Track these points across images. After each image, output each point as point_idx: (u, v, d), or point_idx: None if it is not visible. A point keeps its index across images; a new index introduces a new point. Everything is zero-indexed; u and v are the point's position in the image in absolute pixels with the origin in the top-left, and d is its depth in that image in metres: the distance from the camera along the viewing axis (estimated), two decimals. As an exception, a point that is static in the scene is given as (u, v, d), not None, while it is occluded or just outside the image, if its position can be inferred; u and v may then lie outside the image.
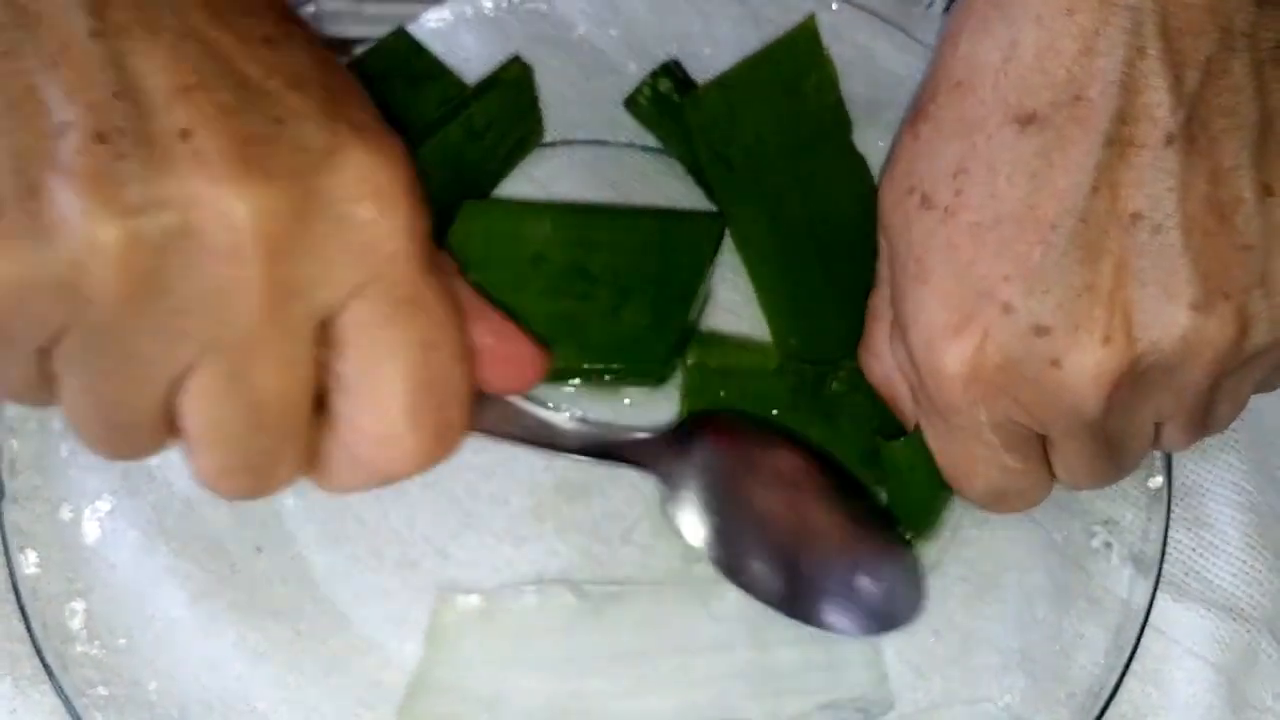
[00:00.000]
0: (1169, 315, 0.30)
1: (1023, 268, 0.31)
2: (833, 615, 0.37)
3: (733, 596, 0.38)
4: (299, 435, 0.29)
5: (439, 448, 0.30)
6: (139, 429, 0.28)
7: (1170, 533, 0.40)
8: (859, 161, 0.45)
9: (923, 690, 0.38)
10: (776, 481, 0.38)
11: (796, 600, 0.37)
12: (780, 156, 0.45)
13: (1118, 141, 0.31)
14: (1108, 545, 0.40)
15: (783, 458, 0.39)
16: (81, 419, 0.29)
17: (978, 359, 0.32)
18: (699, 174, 0.46)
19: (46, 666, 0.36)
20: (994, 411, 0.33)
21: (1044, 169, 0.31)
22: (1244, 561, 0.40)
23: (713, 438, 0.38)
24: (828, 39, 0.47)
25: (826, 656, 0.38)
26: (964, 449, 0.35)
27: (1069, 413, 0.32)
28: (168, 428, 0.29)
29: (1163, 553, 0.39)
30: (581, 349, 0.40)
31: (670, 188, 0.46)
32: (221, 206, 0.25)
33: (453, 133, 0.44)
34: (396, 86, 0.45)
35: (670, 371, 0.42)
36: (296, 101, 0.27)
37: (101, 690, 0.36)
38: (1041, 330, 0.31)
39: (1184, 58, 0.31)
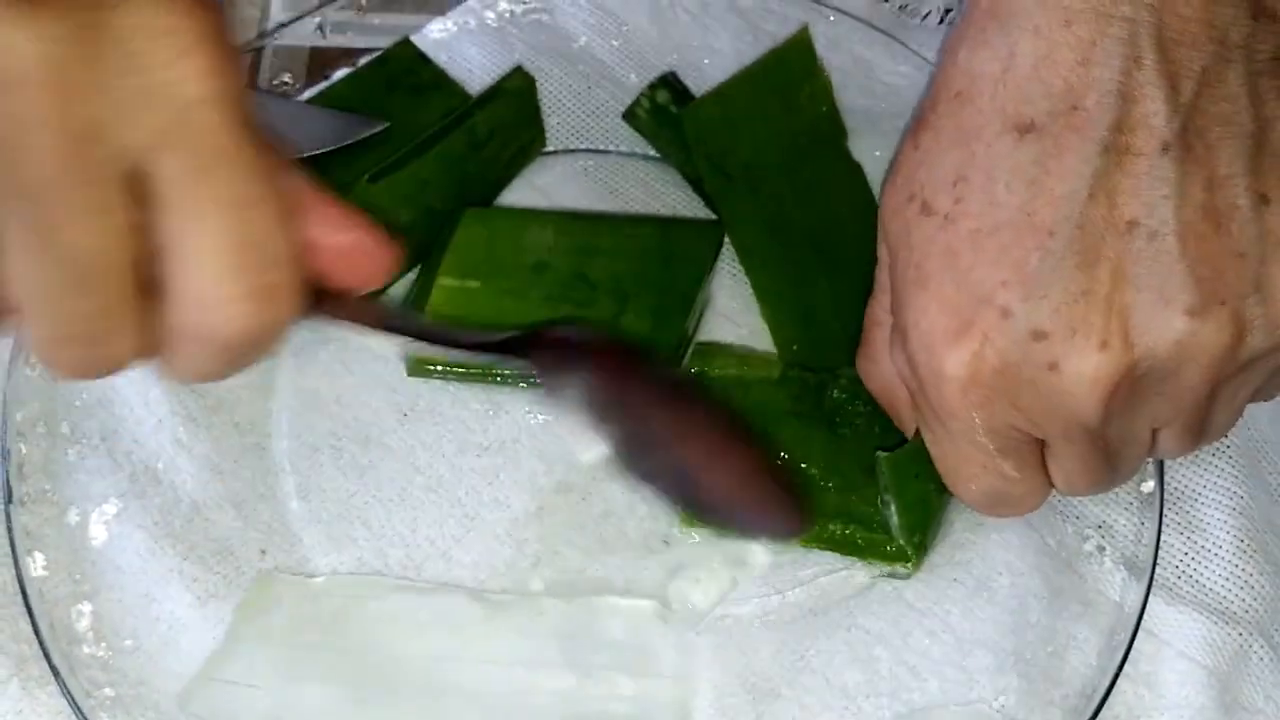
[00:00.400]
0: (1165, 320, 0.31)
1: (1021, 273, 0.32)
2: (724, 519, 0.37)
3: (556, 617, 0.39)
4: (125, 300, 0.27)
5: (267, 310, 0.27)
6: None
7: (1163, 537, 0.40)
8: (855, 169, 0.46)
9: (918, 691, 0.38)
10: (655, 394, 0.37)
11: (695, 503, 0.37)
12: (777, 166, 0.45)
13: (1114, 149, 0.31)
14: (1101, 549, 0.41)
15: (658, 375, 0.38)
16: None
17: (976, 363, 0.32)
18: (698, 183, 0.47)
19: (54, 668, 0.37)
20: (992, 416, 0.33)
21: (1041, 176, 0.32)
22: (1235, 565, 0.41)
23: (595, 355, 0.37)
24: (825, 50, 0.48)
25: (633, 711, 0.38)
26: (962, 454, 0.35)
27: (1067, 417, 0.32)
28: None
29: (1155, 556, 0.39)
30: None
31: (671, 196, 0.47)
32: (2, 36, 0.23)
33: (455, 142, 0.44)
34: (400, 96, 0.46)
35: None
36: None
37: (108, 691, 0.37)
38: (1039, 335, 0.32)
39: (1179, 68, 0.31)
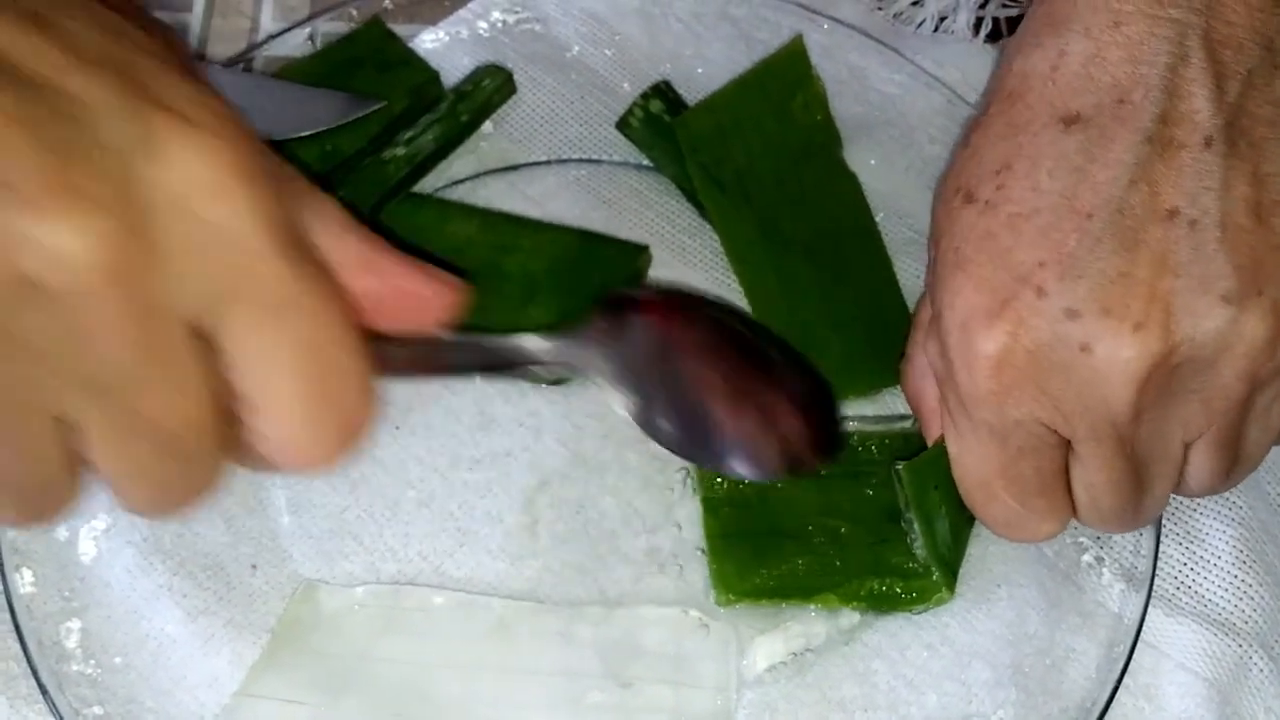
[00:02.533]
0: (1203, 306, 0.31)
1: (1057, 254, 0.31)
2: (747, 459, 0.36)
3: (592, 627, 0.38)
4: (212, 449, 0.26)
5: (346, 439, 0.27)
6: (49, 485, 0.26)
7: (1162, 548, 0.40)
8: (850, 178, 0.46)
9: (916, 705, 0.38)
10: (697, 348, 0.37)
11: (717, 452, 0.36)
12: (771, 176, 0.45)
13: (1158, 141, 0.31)
14: (1099, 560, 0.40)
15: (702, 326, 0.37)
16: None
17: (1010, 343, 0.32)
18: (692, 193, 0.46)
19: (42, 686, 0.36)
20: (1019, 405, 0.33)
21: (1085, 164, 0.32)
22: (1235, 576, 0.40)
23: (634, 317, 0.36)
24: (819, 59, 0.48)
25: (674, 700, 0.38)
26: (984, 453, 0.34)
27: (1096, 408, 0.32)
28: (75, 470, 0.26)
29: (1154, 567, 0.39)
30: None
31: (664, 205, 0.47)
32: (48, 246, 0.22)
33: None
34: (367, 73, 0.46)
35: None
36: (92, 91, 0.23)
37: (97, 709, 0.36)
38: (1072, 314, 0.31)
39: (1226, 69, 0.32)
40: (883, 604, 0.39)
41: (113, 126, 0.23)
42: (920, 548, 0.38)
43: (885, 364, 0.41)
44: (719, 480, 0.40)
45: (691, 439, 0.36)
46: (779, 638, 0.39)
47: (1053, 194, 0.32)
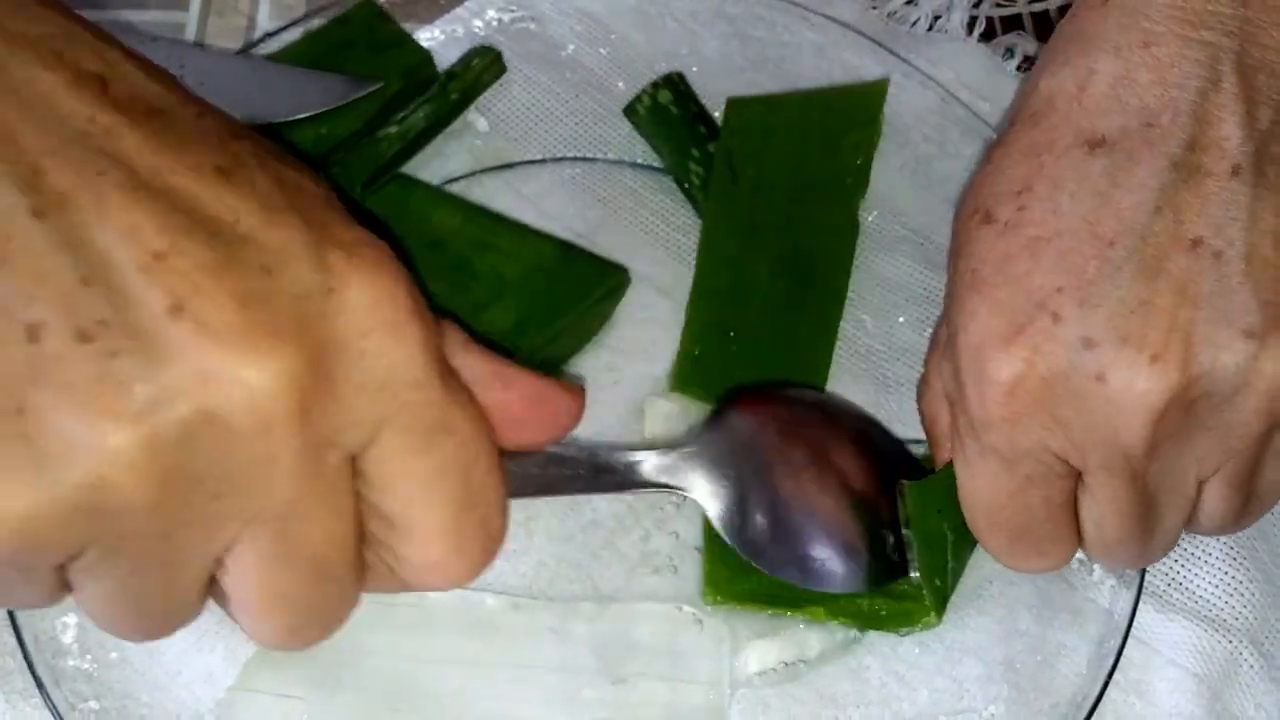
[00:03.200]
0: (1224, 339, 0.30)
1: (1076, 280, 0.31)
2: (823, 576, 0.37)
3: (587, 623, 0.39)
4: (354, 575, 0.27)
5: (485, 560, 0.28)
6: (175, 612, 0.26)
7: (1152, 544, 0.40)
8: (854, 230, 0.45)
9: (908, 701, 0.38)
10: (802, 455, 0.38)
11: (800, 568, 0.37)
12: (786, 191, 0.45)
13: (1184, 167, 0.31)
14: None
15: (809, 431, 0.39)
16: (108, 616, 0.26)
17: (1024, 370, 0.31)
18: (688, 189, 0.47)
19: (38, 681, 0.36)
20: (1030, 433, 0.32)
21: (1108, 189, 0.31)
22: (1226, 572, 0.40)
23: (739, 424, 0.38)
24: (813, 57, 0.48)
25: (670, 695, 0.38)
26: (991, 479, 0.34)
27: (1109, 438, 0.31)
28: (205, 596, 0.26)
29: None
30: None
31: (659, 203, 0.47)
32: (237, 383, 0.22)
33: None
34: (360, 54, 0.46)
35: None
36: (278, 239, 0.24)
37: (93, 704, 0.37)
38: (1089, 343, 0.30)
39: (1258, 95, 0.31)
40: (870, 622, 0.38)
41: (301, 274, 0.24)
42: (915, 569, 0.38)
43: None
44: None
45: (777, 553, 0.37)
46: (773, 645, 0.39)
47: (1074, 218, 0.31)
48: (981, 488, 0.34)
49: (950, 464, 0.36)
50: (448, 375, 0.27)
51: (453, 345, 0.28)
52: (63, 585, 0.24)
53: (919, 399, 0.39)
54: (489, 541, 0.28)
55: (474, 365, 0.28)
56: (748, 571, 0.38)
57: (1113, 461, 0.31)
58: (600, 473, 0.35)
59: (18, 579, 0.24)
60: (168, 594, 0.25)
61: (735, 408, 0.39)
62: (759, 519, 0.37)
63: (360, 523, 0.26)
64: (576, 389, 0.30)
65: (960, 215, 0.35)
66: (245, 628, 0.27)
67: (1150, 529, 0.33)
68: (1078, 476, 0.33)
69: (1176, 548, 0.41)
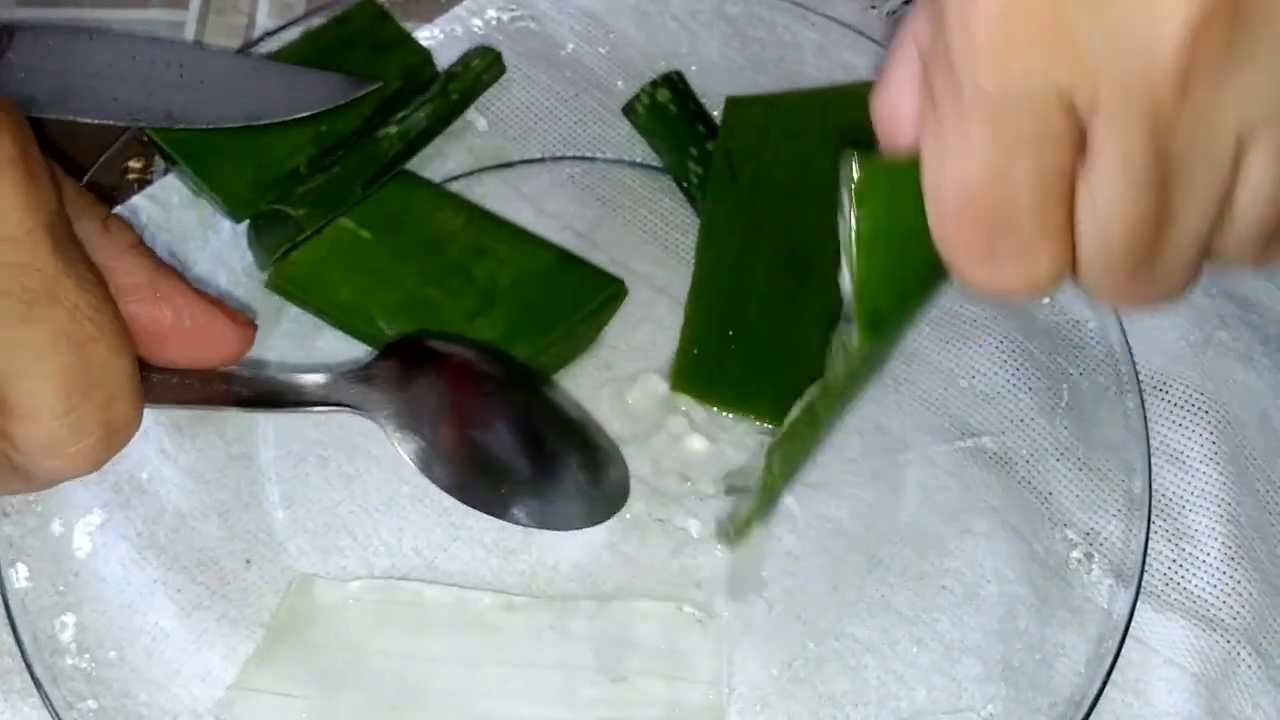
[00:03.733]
0: None
1: None
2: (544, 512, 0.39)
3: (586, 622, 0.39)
4: None
5: (108, 448, 0.27)
6: None
7: (1151, 544, 0.40)
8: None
9: (906, 700, 0.38)
10: (474, 393, 0.39)
11: (516, 506, 0.39)
12: (785, 191, 0.45)
13: None
14: (1089, 556, 0.40)
15: (469, 366, 0.39)
16: None
17: None
18: (686, 188, 0.47)
19: (36, 680, 0.36)
20: (1031, 60, 0.24)
21: None
22: (1224, 573, 0.40)
23: (408, 365, 0.38)
24: (813, 57, 0.48)
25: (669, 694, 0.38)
26: (970, 147, 0.25)
27: (1132, 61, 0.24)
28: None
29: (1143, 564, 0.39)
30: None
31: (657, 202, 0.47)
32: None
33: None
34: (360, 54, 0.46)
35: None
36: None
37: (91, 703, 0.37)
38: None
39: None
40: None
41: None
42: (851, 280, 0.29)
43: (771, 397, 0.41)
44: None
45: (468, 486, 0.38)
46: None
47: None
48: (956, 161, 0.26)
49: (913, 154, 0.28)
50: (63, 243, 0.26)
51: (118, 240, 0.28)
52: None
53: (873, 100, 0.30)
54: (111, 430, 0.27)
55: (139, 270, 0.28)
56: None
57: (1132, 96, 0.24)
58: (266, 391, 0.35)
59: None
60: None
61: (399, 350, 0.39)
62: (449, 452, 0.37)
63: None
64: (243, 320, 0.31)
65: None
66: None
67: (1166, 224, 0.26)
68: (1079, 149, 0.25)
69: (1174, 548, 0.41)
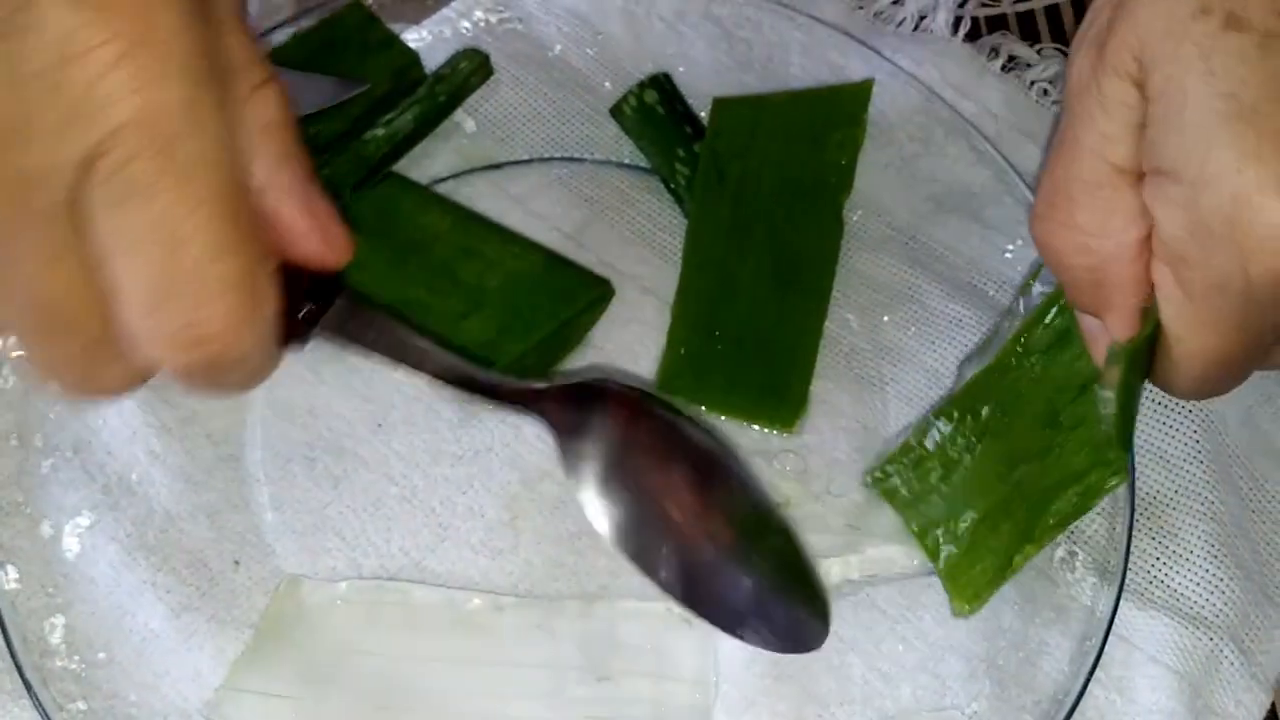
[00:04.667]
0: None
1: None
2: (735, 626, 0.35)
3: (573, 622, 0.39)
4: (105, 337, 0.25)
5: (205, 359, 0.26)
6: None
7: (1135, 542, 0.40)
8: (838, 228, 0.46)
9: (890, 698, 0.38)
10: (682, 467, 0.35)
11: (696, 599, 0.34)
12: (771, 190, 0.46)
13: None
14: (1073, 554, 0.41)
15: (690, 440, 0.35)
16: None
17: None
18: (674, 189, 0.47)
19: (26, 681, 0.36)
20: None
21: None
22: (1207, 571, 0.41)
23: (613, 406, 0.35)
24: (800, 57, 0.48)
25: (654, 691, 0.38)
26: (1229, 339, 0.29)
27: None
28: None
29: (1126, 562, 0.40)
30: None
31: (645, 203, 0.47)
32: None
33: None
34: (349, 56, 0.46)
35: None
36: None
37: (81, 705, 0.37)
38: None
39: None
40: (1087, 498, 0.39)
41: None
42: (1112, 427, 0.36)
43: (764, 399, 0.42)
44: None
45: (629, 534, 0.34)
46: (853, 560, 0.40)
47: None
48: (1215, 348, 0.30)
49: (1150, 320, 0.32)
50: (179, 140, 0.24)
51: (258, 110, 0.26)
52: None
53: (1054, 246, 0.33)
54: (201, 340, 0.25)
55: (288, 172, 0.27)
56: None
57: None
58: (459, 372, 0.32)
59: None
60: None
61: (606, 398, 0.35)
62: (641, 521, 0.34)
63: (89, 277, 0.25)
64: (341, 238, 0.29)
65: (1166, 14, 0.28)
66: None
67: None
68: None
69: (1158, 546, 0.41)
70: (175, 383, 0.27)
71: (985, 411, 0.39)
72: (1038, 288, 0.41)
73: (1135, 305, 0.32)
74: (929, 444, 0.40)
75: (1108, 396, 0.36)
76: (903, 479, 0.40)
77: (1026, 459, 0.39)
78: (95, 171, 0.24)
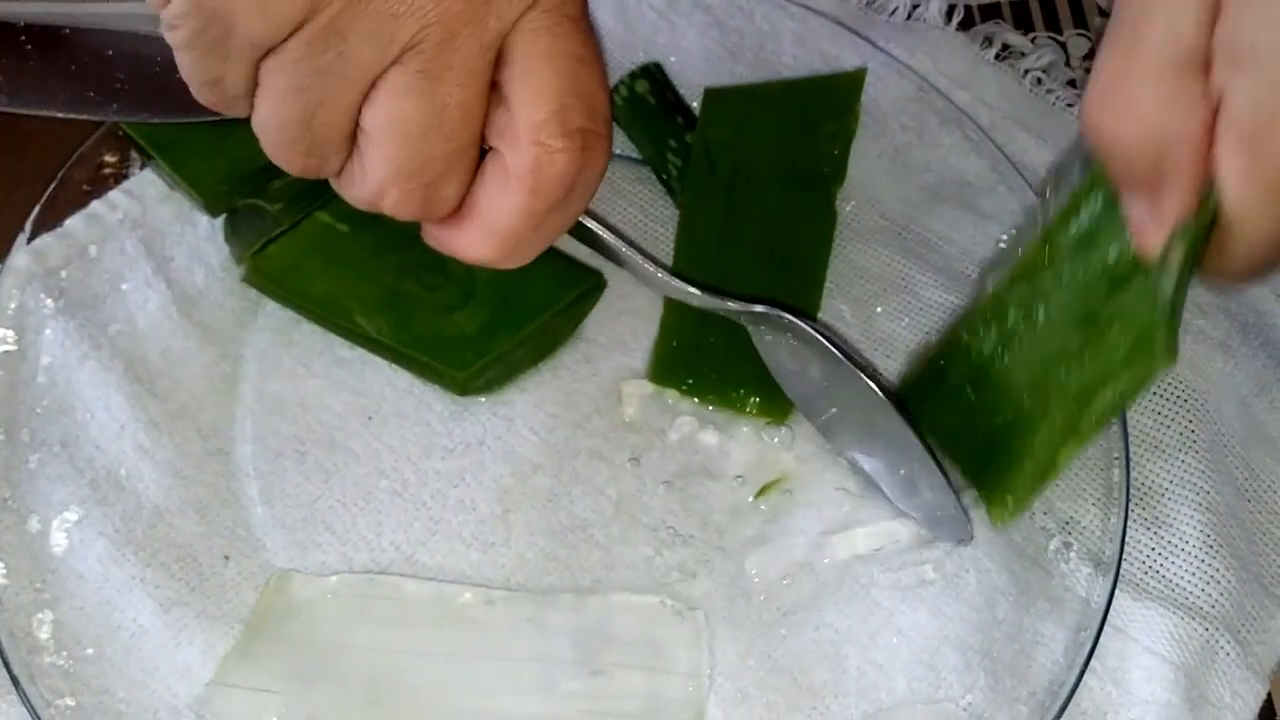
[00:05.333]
0: None
1: None
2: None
3: (566, 614, 0.39)
4: (469, 147, 0.31)
5: (581, 155, 0.32)
6: (330, 134, 0.31)
7: (1130, 533, 0.40)
8: (831, 218, 0.45)
9: (885, 690, 0.38)
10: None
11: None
12: (764, 180, 0.45)
13: None
14: (1067, 545, 0.41)
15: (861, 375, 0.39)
16: (278, 124, 0.31)
17: None
18: (665, 180, 0.46)
19: (13, 677, 0.36)
20: None
21: None
22: (1202, 560, 0.41)
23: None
24: (792, 46, 0.48)
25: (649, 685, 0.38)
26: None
27: None
28: (351, 139, 0.32)
29: (1121, 552, 0.39)
30: (398, 328, 0.41)
31: (636, 194, 0.47)
32: None
33: None
34: None
35: (471, 387, 0.42)
36: None
37: (69, 701, 0.36)
38: None
39: None
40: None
41: None
42: (1164, 311, 0.35)
43: (757, 391, 0.42)
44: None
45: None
46: (858, 534, 0.40)
47: None
48: (1269, 224, 0.31)
49: (1208, 203, 0.31)
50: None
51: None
52: (251, 83, 0.31)
53: (1111, 125, 0.32)
54: (587, 136, 0.32)
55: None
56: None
57: None
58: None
59: (228, 54, 0.30)
60: (331, 105, 0.30)
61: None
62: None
63: (486, 102, 0.31)
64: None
65: None
66: (362, 173, 0.32)
67: None
68: None
69: (1153, 536, 0.41)
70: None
71: (1012, 317, 0.38)
72: (1069, 181, 0.39)
73: (1194, 186, 0.32)
74: (955, 355, 0.39)
75: (1168, 276, 0.34)
76: (930, 392, 0.40)
77: (1060, 361, 0.37)
78: (537, 7, 0.30)
